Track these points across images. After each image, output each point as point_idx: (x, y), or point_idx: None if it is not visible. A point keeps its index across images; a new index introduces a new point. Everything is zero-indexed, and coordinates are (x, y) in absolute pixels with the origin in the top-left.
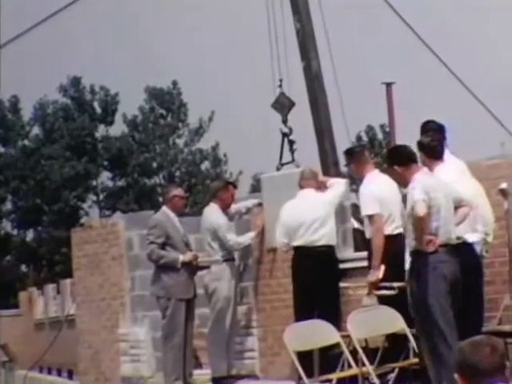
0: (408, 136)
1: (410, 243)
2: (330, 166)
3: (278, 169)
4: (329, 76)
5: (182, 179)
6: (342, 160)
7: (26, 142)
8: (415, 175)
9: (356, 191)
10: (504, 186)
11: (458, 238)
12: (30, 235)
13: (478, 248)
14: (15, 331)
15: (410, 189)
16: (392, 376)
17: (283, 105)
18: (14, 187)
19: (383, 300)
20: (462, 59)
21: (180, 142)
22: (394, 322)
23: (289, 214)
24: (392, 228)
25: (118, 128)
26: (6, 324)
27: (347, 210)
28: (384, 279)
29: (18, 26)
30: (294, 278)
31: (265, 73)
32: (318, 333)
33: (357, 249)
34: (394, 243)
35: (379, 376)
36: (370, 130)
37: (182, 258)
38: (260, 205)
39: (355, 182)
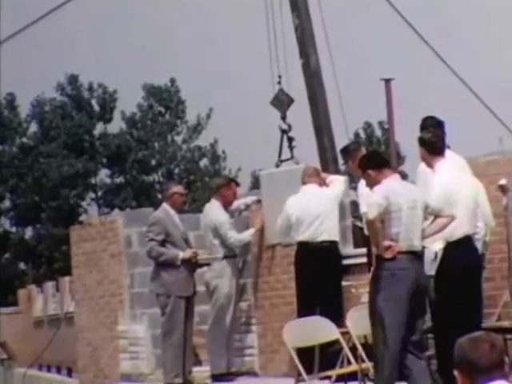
0: (407, 132)
1: None
2: (329, 163)
3: (277, 166)
4: (327, 72)
5: (181, 176)
6: (341, 156)
7: (23, 139)
8: (385, 180)
9: (355, 189)
10: (503, 182)
11: (424, 247)
12: (28, 233)
13: (478, 245)
14: (14, 329)
15: (372, 192)
16: None
17: (282, 101)
18: (12, 185)
19: None
20: (460, 56)
21: (178, 139)
22: None
23: (292, 207)
24: None
25: (116, 125)
26: (5, 322)
27: (346, 207)
28: None
29: (15, 24)
30: (297, 274)
31: (264, 69)
32: (317, 329)
33: (356, 245)
34: None
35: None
36: (368, 126)
37: (181, 255)
38: (259, 202)
39: (354, 179)
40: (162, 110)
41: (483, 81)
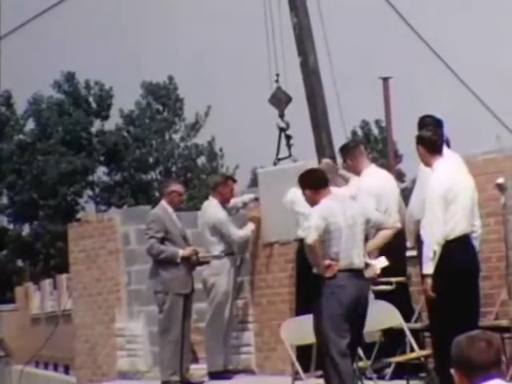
0: (404, 131)
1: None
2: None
3: (274, 164)
4: (325, 71)
5: (178, 174)
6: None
7: (21, 136)
8: (322, 200)
9: None
10: (501, 180)
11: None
12: (26, 230)
13: (476, 243)
14: (11, 326)
15: (309, 213)
16: (389, 371)
17: (280, 100)
18: (9, 182)
19: (381, 295)
20: (457, 54)
21: (176, 136)
22: (391, 316)
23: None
24: (390, 222)
25: (113, 123)
26: (3, 319)
27: None
28: (382, 274)
29: (12, 21)
30: (297, 270)
31: (262, 67)
32: None
33: None
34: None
35: (376, 371)
36: (365, 125)
37: (181, 252)
38: (256, 199)
39: None
40: (160, 107)
41: (481, 79)
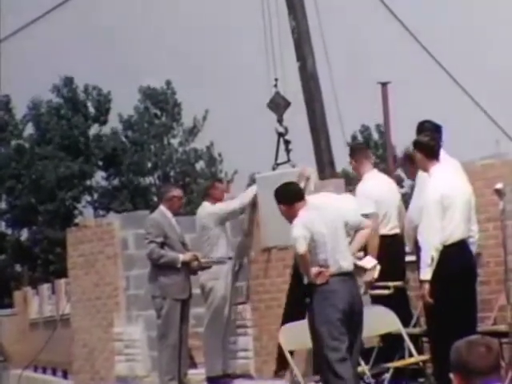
0: (403, 136)
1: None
2: (325, 166)
3: (273, 168)
4: (324, 75)
5: (177, 179)
6: (338, 160)
7: (19, 141)
8: (299, 212)
9: (351, 191)
10: (499, 186)
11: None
12: (24, 235)
13: (473, 248)
14: (10, 330)
15: (292, 226)
16: (387, 376)
17: (278, 104)
18: (8, 186)
19: (379, 299)
20: (456, 59)
21: (174, 141)
22: (389, 321)
23: None
24: (388, 228)
25: (111, 127)
26: (1, 323)
27: None
28: (380, 279)
29: (10, 26)
30: (294, 275)
31: (260, 72)
32: None
33: None
34: (389, 243)
35: (374, 376)
36: (365, 129)
37: (182, 257)
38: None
39: (351, 182)
40: (158, 112)
41: (479, 84)
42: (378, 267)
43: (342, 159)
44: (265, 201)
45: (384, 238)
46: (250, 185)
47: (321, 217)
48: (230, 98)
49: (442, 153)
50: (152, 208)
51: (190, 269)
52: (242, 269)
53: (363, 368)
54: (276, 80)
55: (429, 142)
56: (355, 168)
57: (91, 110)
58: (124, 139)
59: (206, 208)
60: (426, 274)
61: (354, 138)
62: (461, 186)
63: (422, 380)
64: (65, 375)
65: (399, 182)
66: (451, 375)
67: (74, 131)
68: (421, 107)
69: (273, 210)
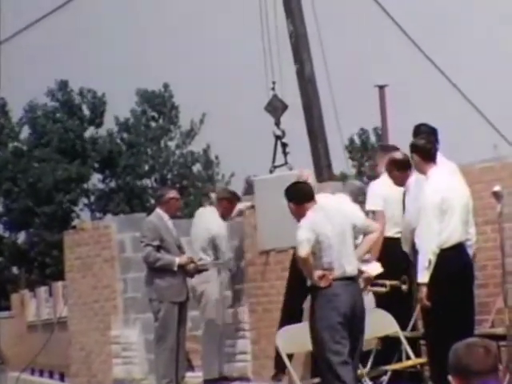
0: (401, 139)
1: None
2: (323, 169)
3: (270, 171)
4: (322, 78)
5: (174, 181)
6: (335, 163)
7: (16, 144)
8: (307, 212)
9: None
10: (497, 188)
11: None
12: (21, 237)
13: (470, 251)
14: (7, 333)
15: (298, 227)
16: (385, 378)
17: (276, 108)
18: (5, 189)
19: (381, 302)
20: (454, 62)
21: (172, 144)
22: (387, 324)
23: None
24: (393, 231)
25: (107, 130)
26: None
27: None
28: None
29: (4, 31)
30: (291, 278)
31: (258, 75)
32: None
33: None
34: (394, 246)
35: (372, 378)
36: (363, 132)
37: (178, 260)
38: (252, 207)
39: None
40: (156, 115)
41: (477, 87)
42: (379, 264)
43: (339, 162)
44: (262, 203)
45: (388, 241)
46: (246, 188)
47: (328, 219)
48: (227, 101)
49: (439, 156)
50: (149, 210)
51: (186, 272)
52: (240, 271)
53: (361, 371)
54: (274, 83)
55: (425, 144)
56: (374, 167)
57: (86, 112)
58: (120, 142)
59: (217, 226)
60: (424, 277)
61: (351, 141)
62: (459, 189)
63: (419, 383)
64: (62, 378)
65: None
66: (449, 377)
67: (70, 134)
68: (418, 110)
69: (270, 213)
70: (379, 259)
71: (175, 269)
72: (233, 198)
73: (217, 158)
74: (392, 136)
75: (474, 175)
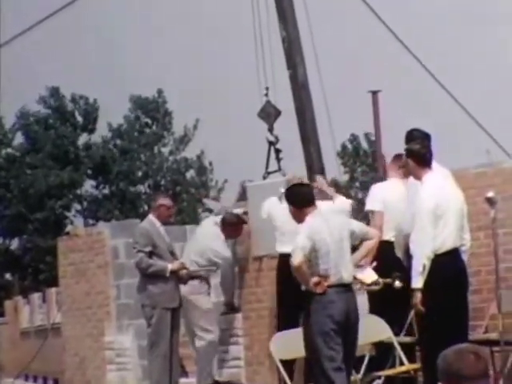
0: (393, 145)
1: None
2: (316, 173)
3: (264, 177)
4: (315, 84)
5: (167, 188)
6: (328, 168)
7: (9, 150)
8: (307, 218)
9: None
10: (490, 194)
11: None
12: (14, 244)
13: (465, 257)
14: (1, 339)
15: (297, 234)
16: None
17: (269, 114)
18: None
19: (375, 305)
20: (447, 68)
21: (165, 150)
22: (380, 330)
23: (279, 217)
24: (390, 235)
25: (100, 136)
26: None
27: None
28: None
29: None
30: (279, 286)
31: (251, 81)
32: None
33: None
34: (388, 250)
35: None
36: (354, 138)
37: (170, 266)
38: (246, 214)
39: (341, 190)
40: (149, 121)
41: (469, 92)
42: (373, 265)
43: (332, 167)
44: (256, 210)
45: (386, 244)
46: (240, 193)
47: (327, 225)
48: (220, 107)
49: (433, 162)
50: (142, 217)
51: (179, 278)
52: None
53: (355, 377)
54: (267, 89)
55: (420, 149)
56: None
57: (79, 119)
58: (114, 148)
59: (222, 250)
60: (418, 282)
61: (343, 147)
62: (453, 195)
63: None
64: None
65: None
66: None
67: (63, 140)
68: (411, 116)
69: (263, 219)
70: (373, 261)
71: (167, 275)
72: (240, 223)
73: (210, 164)
74: (385, 142)
75: (467, 181)
